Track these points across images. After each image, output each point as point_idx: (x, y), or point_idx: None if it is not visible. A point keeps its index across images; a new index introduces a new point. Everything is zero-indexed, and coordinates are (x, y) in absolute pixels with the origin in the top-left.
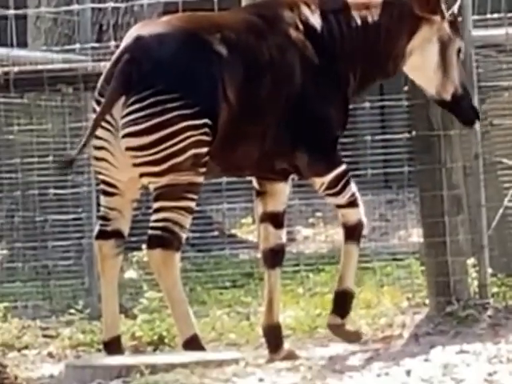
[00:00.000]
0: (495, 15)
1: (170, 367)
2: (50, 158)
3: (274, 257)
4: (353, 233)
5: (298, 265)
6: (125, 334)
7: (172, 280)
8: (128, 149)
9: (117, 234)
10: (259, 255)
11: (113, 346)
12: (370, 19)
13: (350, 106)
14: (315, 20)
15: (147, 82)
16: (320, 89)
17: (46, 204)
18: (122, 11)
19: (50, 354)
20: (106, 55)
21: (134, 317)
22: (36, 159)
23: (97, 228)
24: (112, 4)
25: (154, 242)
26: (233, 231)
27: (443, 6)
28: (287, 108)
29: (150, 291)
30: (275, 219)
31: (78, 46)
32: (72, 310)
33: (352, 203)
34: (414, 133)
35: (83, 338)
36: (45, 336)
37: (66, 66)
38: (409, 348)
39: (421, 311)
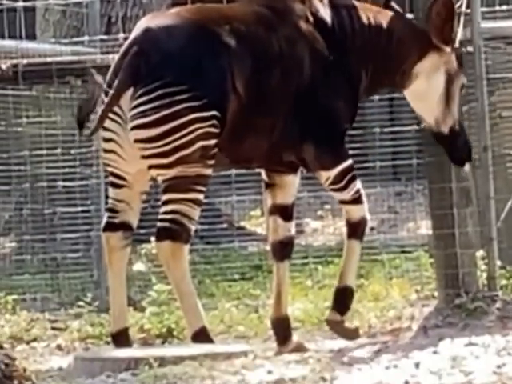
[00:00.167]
0: (504, 7)
1: (178, 360)
2: (59, 151)
3: (283, 249)
4: (356, 229)
5: (306, 257)
6: (133, 327)
7: (181, 272)
8: (136, 141)
9: (124, 226)
10: (268, 248)
11: (121, 338)
12: (383, 24)
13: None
14: (326, 13)
15: (155, 74)
16: (330, 82)
17: (55, 196)
18: (130, 3)
19: (59, 347)
20: (114, 47)
21: (143, 309)
22: (45, 151)
23: (104, 220)
24: None
25: (162, 235)
26: (242, 223)
27: (455, 40)
28: (296, 100)
29: (158, 284)
30: (284, 212)
31: (86, 38)
32: (81, 303)
33: (356, 200)
34: (422, 125)
35: (92, 330)
36: (53, 328)
37: (75, 58)
38: (417, 340)
39: (429, 303)
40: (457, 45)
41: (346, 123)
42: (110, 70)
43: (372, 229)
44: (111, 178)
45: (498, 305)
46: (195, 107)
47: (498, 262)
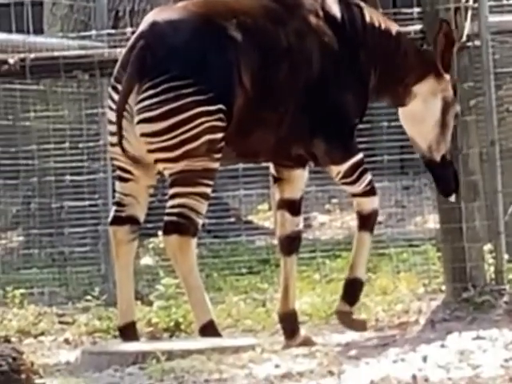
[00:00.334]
0: (511, 1)
1: (186, 353)
2: (67, 145)
3: (291, 244)
4: (367, 221)
5: (314, 251)
6: (141, 321)
7: (188, 266)
8: (142, 135)
9: (131, 220)
10: (275, 241)
11: (128, 331)
12: (392, 30)
13: None
14: (337, 9)
15: (161, 67)
16: (340, 76)
17: (63, 190)
18: None
19: (67, 341)
20: (122, 41)
21: (151, 303)
22: (52, 146)
23: (111, 214)
24: None
25: (170, 228)
26: (249, 217)
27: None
28: (306, 94)
29: (166, 278)
30: (292, 206)
31: (94, 32)
32: (88, 297)
33: (368, 192)
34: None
35: (99, 324)
36: (61, 322)
37: (82, 52)
38: (425, 334)
39: (437, 297)
40: (464, 39)
41: (356, 118)
42: (118, 65)
43: (379, 223)
44: (118, 172)
45: (505, 298)
46: (201, 101)
47: (506, 256)
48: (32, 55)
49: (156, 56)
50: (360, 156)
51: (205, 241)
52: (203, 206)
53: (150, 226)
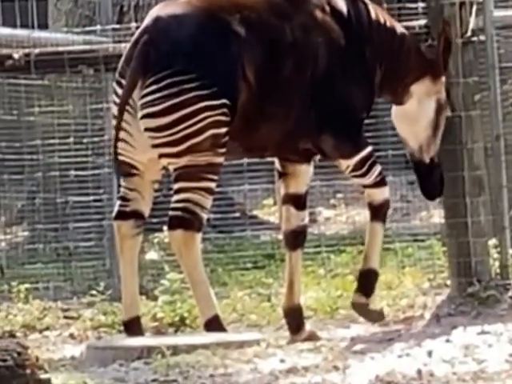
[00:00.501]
0: None
1: (191, 348)
2: (71, 140)
3: (296, 238)
4: (378, 212)
5: (319, 246)
6: (146, 316)
7: (193, 261)
8: (146, 130)
9: (136, 215)
10: (280, 236)
11: (132, 326)
12: (396, 29)
13: None
14: (342, 3)
15: (165, 62)
16: (347, 71)
17: (67, 185)
18: None
19: (71, 336)
20: (126, 36)
21: (155, 298)
22: (57, 141)
23: (116, 208)
24: None
25: (174, 223)
26: (254, 212)
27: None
28: (312, 89)
29: (171, 272)
30: (297, 201)
31: (98, 27)
32: (93, 292)
33: (378, 183)
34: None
35: (104, 319)
36: (66, 317)
37: (87, 47)
38: (430, 329)
39: (442, 292)
40: (469, 33)
41: (363, 113)
42: (122, 60)
43: None
44: (123, 167)
45: (510, 293)
46: (204, 96)
47: (511, 251)
48: (37, 50)
49: (159, 51)
50: (369, 149)
51: (210, 235)
52: (208, 201)
53: (155, 220)
